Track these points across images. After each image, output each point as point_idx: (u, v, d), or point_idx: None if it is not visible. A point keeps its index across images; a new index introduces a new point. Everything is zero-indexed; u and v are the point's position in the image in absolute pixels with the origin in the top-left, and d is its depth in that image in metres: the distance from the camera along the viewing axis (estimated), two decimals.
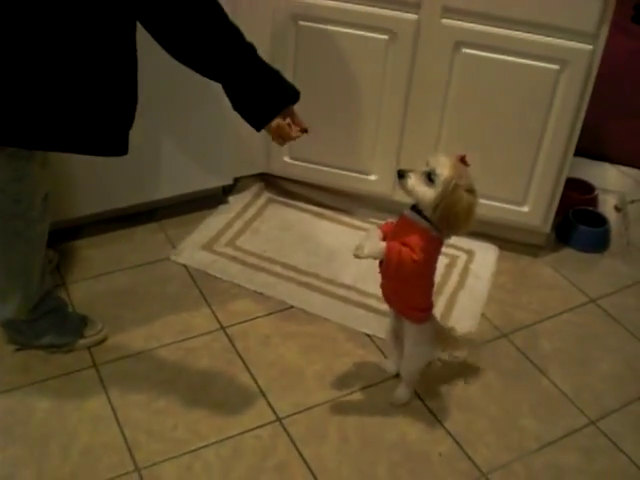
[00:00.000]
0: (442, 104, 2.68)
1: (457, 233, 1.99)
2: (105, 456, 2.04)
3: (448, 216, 1.90)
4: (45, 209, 2.14)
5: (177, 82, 2.61)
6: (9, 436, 2.08)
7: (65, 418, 2.14)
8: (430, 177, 1.89)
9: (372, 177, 2.91)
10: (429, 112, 2.72)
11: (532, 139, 2.65)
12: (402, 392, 2.26)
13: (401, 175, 1.94)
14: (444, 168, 1.88)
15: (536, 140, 2.65)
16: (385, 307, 2.26)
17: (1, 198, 2.00)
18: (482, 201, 2.71)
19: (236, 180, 3.12)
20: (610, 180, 3.61)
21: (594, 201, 3.24)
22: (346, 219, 3.02)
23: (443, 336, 2.23)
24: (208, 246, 2.80)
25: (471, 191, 1.92)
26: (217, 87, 2.67)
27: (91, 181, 2.67)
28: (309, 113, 2.92)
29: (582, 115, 2.60)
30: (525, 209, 2.78)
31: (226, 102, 2.72)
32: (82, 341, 2.35)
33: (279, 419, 2.20)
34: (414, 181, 1.91)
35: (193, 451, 2.08)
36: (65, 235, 2.78)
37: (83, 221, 2.81)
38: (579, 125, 2.62)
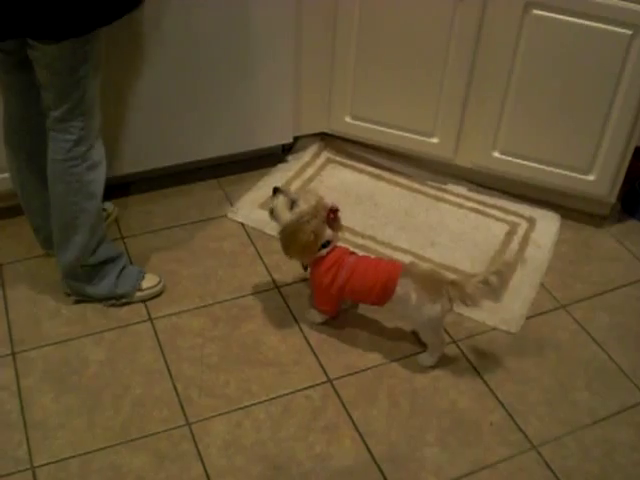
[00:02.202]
0: (509, 67, 2.60)
1: (288, 255, 2.24)
2: (156, 409, 2.08)
3: (287, 239, 2.19)
4: (102, 152, 2.17)
5: (238, 39, 2.60)
6: (63, 385, 2.13)
7: (119, 370, 2.18)
8: (292, 205, 2.17)
9: (434, 140, 2.85)
10: (495, 75, 2.64)
11: (601, 106, 2.56)
12: (424, 356, 2.26)
13: (275, 191, 2.24)
14: (305, 204, 2.16)
15: (605, 107, 2.55)
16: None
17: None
18: (546, 168, 2.71)
19: (296, 139, 3.08)
20: None
21: None
22: (405, 182, 2.97)
23: (440, 287, 2.12)
24: (266, 205, 2.74)
25: (316, 234, 2.16)
26: (278, 44, 2.68)
27: (151, 136, 2.68)
28: (372, 72, 2.91)
29: None
30: (591, 178, 2.69)
31: (288, 59, 2.71)
32: (140, 294, 2.38)
33: (330, 380, 2.20)
34: (281, 202, 2.21)
35: (243, 408, 2.10)
36: (125, 189, 2.81)
37: (142, 176, 2.83)
38: None
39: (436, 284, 2.12)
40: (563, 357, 2.32)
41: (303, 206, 2.16)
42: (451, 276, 2.15)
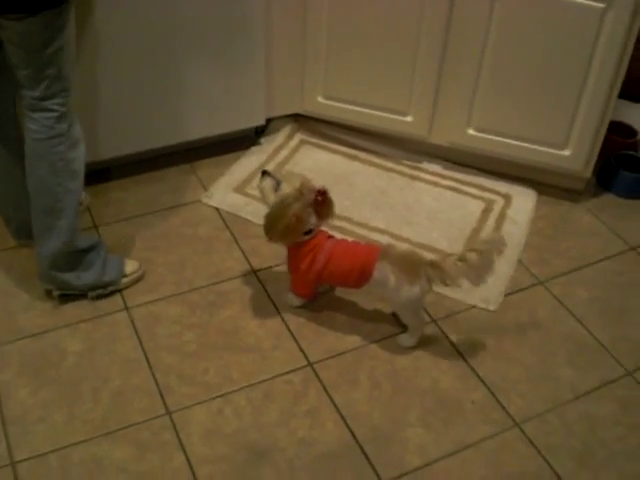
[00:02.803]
0: (482, 43, 2.58)
1: (270, 238, 2.19)
2: (136, 399, 2.05)
3: (269, 222, 2.15)
4: (80, 129, 2.12)
5: (208, 20, 2.56)
6: (41, 379, 2.09)
7: (96, 361, 2.15)
8: (277, 187, 2.15)
9: (408, 118, 2.83)
10: (468, 52, 2.62)
11: (575, 80, 2.55)
12: (404, 337, 2.25)
13: (263, 174, 2.21)
14: (289, 186, 2.13)
15: (580, 81, 2.54)
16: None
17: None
18: (521, 144, 2.70)
19: (269, 121, 3.05)
20: None
21: (636, 145, 3.12)
22: (380, 161, 2.95)
23: (418, 269, 2.09)
24: (240, 188, 2.76)
25: (298, 217, 2.11)
26: (248, 25, 2.63)
27: (122, 122, 2.64)
28: (344, 51, 2.88)
29: (628, 57, 2.48)
30: (566, 153, 2.68)
31: (258, 39, 2.67)
32: (125, 280, 2.35)
33: (310, 364, 2.18)
34: (268, 184, 2.18)
35: (224, 395, 2.08)
36: (96, 177, 2.75)
37: (114, 163, 2.79)
38: (624, 67, 2.50)
39: (414, 265, 2.10)
40: (543, 333, 2.33)
41: (286, 189, 2.12)
42: (429, 256, 2.13)
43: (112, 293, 2.33)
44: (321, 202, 2.15)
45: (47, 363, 2.14)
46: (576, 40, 2.47)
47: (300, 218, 2.11)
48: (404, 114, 2.83)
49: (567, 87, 2.57)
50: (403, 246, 2.22)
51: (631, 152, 3.02)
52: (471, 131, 2.76)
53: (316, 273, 2.19)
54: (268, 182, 2.17)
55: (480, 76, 2.64)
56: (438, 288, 2.17)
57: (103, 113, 2.58)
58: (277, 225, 2.12)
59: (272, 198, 2.15)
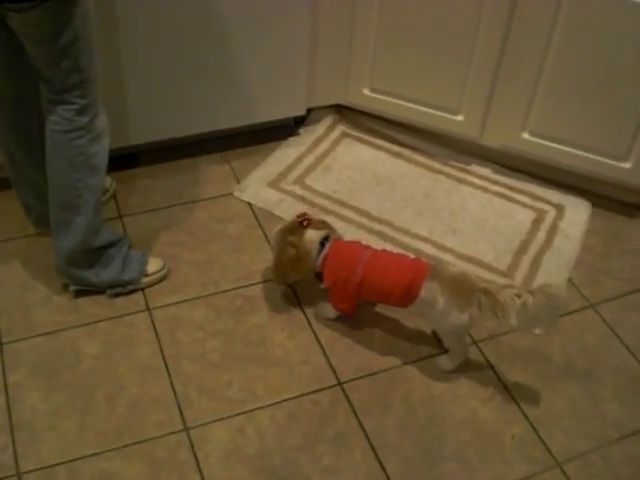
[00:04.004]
0: (545, 42, 2.38)
1: (287, 278, 2.21)
2: (152, 411, 1.93)
3: (276, 266, 2.15)
4: (105, 121, 2.00)
5: (249, 1, 2.39)
6: (54, 382, 1.98)
7: (113, 366, 2.03)
8: None
9: (459, 117, 2.65)
10: (530, 50, 2.42)
11: None
12: (443, 359, 2.11)
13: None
14: (273, 240, 2.17)
15: None
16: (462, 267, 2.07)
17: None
18: (579, 153, 2.52)
19: (309, 111, 2.88)
20: None
21: None
22: (425, 161, 2.77)
23: (470, 295, 1.93)
24: (275, 183, 2.61)
25: (295, 245, 2.08)
26: (293, 8, 2.46)
27: (155, 106, 2.50)
28: (395, 41, 2.70)
29: None
30: (627, 165, 2.48)
31: (303, 24, 2.49)
32: (146, 279, 2.22)
33: (340, 383, 2.04)
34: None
35: (246, 412, 1.95)
36: (123, 162, 2.61)
37: (142, 148, 2.64)
38: None
39: (466, 291, 1.93)
40: (591, 363, 2.16)
41: (274, 243, 2.15)
42: (483, 284, 1.96)
43: (133, 292, 2.21)
44: (308, 224, 2.11)
45: (62, 365, 2.02)
46: None
47: (297, 245, 2.08)
48: (455, 113, 2.65)
49: (633, 95, 2.37)
50: (454, 268, 2.04)
51: None
52: (526, 135, 2.57)
53: (355, 285, 2.04)
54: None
55: (540, 77, 2.45)
56: (485, 319, 2.00)
57: (132, 97, 2.44)
58: (283, 264, 2.10)
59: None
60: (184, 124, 2.59)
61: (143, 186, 2.58)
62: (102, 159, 2.01)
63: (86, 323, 2.12)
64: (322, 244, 2.09)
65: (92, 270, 2.13)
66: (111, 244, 2.15)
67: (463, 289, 1.95)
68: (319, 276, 2.13)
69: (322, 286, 2.12)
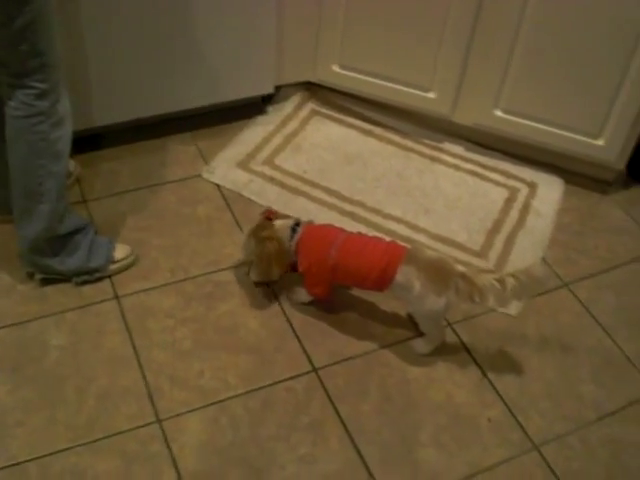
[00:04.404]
0: (518, 18, 2.35)
1: (274, 274, 2.10)
2: (124, 403, 1.88)
3: (260, 264, 2.08)
4: (68, 105, 1.92)
5: None
6: (21, 376, 1.91)
7: (82, 357, 1.96)
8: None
9: (430, 95, 2.60)
10: (502, 26, 2.38)
11: (617, 66, 2.32)
12: (419, 342, 2.08)
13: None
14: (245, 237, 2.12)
15: (622, 67, 2.32)
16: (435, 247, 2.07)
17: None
18: (552, 130, 2.49)
19: (277, 88, 2.80)
20: None
21: None
22: (397, 139, 2.73)
23: (447, 279, 1.90)
24: (244, 164, 2.54)
25: (271, 238, 2.04)
26: None
27: (120, 86, 2.41)
28: (365, 17, 2.62)
29: None
30: (599, 142, 2.47)
31: (265, 8, 2.41)
32: (113, 266, 2.15)
33: (315, 369, 2.00)
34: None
35: (220, 402, 1.91)
36: (87, 144, 2.52)
37: (106, 129, 2.55)
38: None
39: (444, 275, 1.90)
40: (566, 344, 2.15)
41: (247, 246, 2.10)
42: (461, 268, 1.93)
43: (100, 279, 2.14)
44: (274, 217, 2.09)
45: (28, 357, 1.95)
46: (622, 21, 2.24)
47: (272, 236, 2.03)
48: (427, 90, 2.60)
49: (608, 71, 2.34)
50: (431, 252, 2.01)
51: None
52: (498, 112, 2.54)
53: (330, 268, 2.00)
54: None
55: (513, 54, 2.41)
56: (462, 303, 1.97)
57: (95, 78, 2.34)
58: (264, 259, 2.04)
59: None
60: (149, 104, 2.50)
61: (108, 169, 2.50)
62: (65, 145, 1.93)
63: (52, 313, 2.05)
64: (293, 230, 2.04)
65: (57, 258, 2.06)
66: (76, 230, 2.07)
67: (440, 273, 1.91)
68: (294, 266, 2.08)
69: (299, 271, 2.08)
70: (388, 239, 2.07)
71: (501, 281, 1.84)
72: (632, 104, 2.36)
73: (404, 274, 1.93)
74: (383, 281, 1.97)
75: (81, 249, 2.08)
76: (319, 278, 2.05)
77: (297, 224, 2.05)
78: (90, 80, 2.34)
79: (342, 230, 2.05)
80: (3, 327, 2.01)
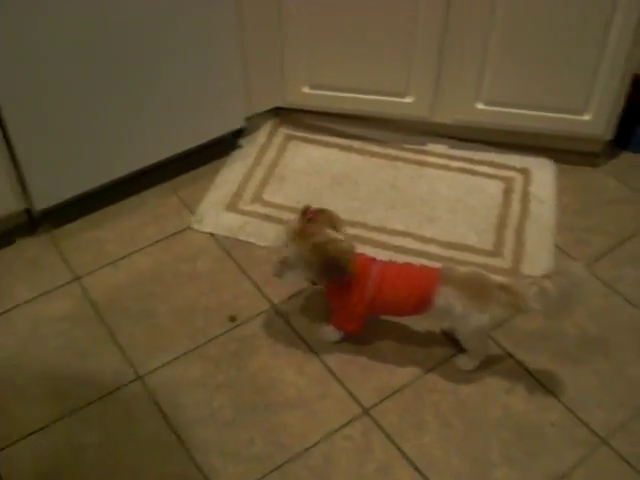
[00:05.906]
0: (490, 8, 2.28)
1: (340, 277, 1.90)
2: None
3: (324, 263, 1.87)
4: None
5: (167, 16, 2.16)
6: None
7: (120, 451, 1.81)
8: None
9: (408, 99, 2.52)
10: (474, 16, 2.31)
11: (595, 39, 2.29)
12: (463, 359, 2.00)
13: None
14: (292, 235, 1.89)
15: (599, 39, 2.28)
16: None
17: None
18: (537, 113, 2.44)
19: (246, 119, 2.65)
20: None
21: None
22: (379, 149, 2.64)
23: (487, 293, 1.85)
24: (232, 205, 2.41)
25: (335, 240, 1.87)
26: (215, 16, 2.23)
27: (78, 153, 2.22)
28: (330, 30, 2.48)
29: None
30: (586, 117, 2.44)
31: (228, 31, 2.26)
32: None
33: (366, 410, 1.90)
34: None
35: (279, 467, 1.79)
36: (61, 215, 2.36)
37: (80, 195, 2.37)
38: None
39: (483, 290, 1.83)
40: (603, 327, 2.10)
41: (294, 239, 1.86)
42: (498, 278, 1.87)
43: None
44: (314, 217, 1.88)
45: (62, 463, 1.78)
46: None
47: (334, 239, 1.84)
48: (403, 95, 2.52)
49: (586, 46, 2.31)
50: (463, 268, 1.93)
51: None
52: (480, 105, 2.48)
53: (367, 304, 1.90)
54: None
55: (489, 43, 2.35)
56: (507, 314, 1.91)
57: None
58: (326, 260, 1.83)
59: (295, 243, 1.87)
60: (107, 169, 2.33)
61: (92, 238, 2.33)
62: None
63: (76, 409, 1.88)
64: None
65: None
66: None
67: (479, 289, 1.84)
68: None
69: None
70: (418, 264, 1.97)
71: (537, 284, 1.79)
72: (614, 74, 2.33)
73: (443, 296, 1.85)
74: (422, 306, 1.88)
75: None
76: (356, 314, 1.96)
77: None
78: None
79: (373, 259, 1.96)
80: (31, 434, 1.83)
